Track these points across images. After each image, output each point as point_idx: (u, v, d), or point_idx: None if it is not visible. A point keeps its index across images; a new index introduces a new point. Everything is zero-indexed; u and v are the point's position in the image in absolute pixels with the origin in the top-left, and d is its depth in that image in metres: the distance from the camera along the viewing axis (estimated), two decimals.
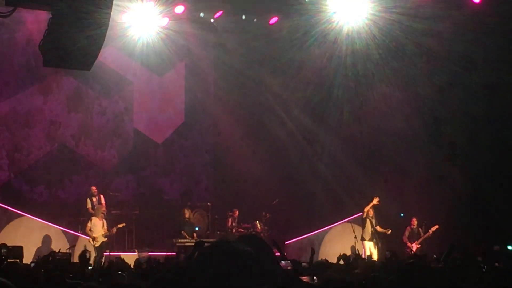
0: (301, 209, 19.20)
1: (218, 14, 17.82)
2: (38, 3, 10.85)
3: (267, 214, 18.55)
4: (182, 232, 17.61)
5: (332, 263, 10.71)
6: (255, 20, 18.22)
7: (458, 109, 16.73)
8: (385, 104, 18.02)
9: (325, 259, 12.37)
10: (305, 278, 7.54)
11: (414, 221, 17.04)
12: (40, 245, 16.15)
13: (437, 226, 16.60)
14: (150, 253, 15.78)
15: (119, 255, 15.89)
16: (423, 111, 17.51)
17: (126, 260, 12.46)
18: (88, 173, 18.69)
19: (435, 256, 11.38)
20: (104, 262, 15.56)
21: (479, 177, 16.57)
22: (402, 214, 17.92)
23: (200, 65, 20.15)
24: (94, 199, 17.07)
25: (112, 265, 10.66)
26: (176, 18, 17.54)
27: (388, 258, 12.05)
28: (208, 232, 18.54)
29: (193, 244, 14.58)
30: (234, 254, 2.75)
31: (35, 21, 16.12)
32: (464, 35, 15.78)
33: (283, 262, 9.33)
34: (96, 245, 16.15)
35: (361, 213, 17.45)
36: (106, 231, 16.35)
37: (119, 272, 8.98)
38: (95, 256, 15.99)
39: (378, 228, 17.15)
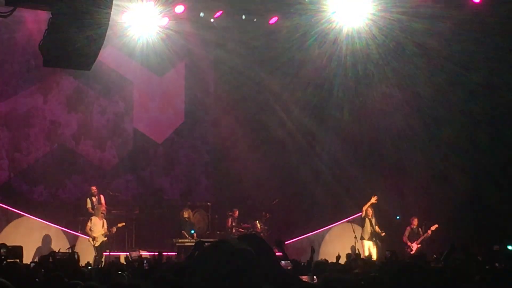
0: (301, 209, 19.19)
1: (218, 14, 17.81)
2: (38, 3, 10.85)
3: (267, 214, 18.55)
4: (182, 232, 17.60)
5: (332, 263, 10.71)
6: (255, 20, 18.21)
7: (458, 109, 16.74)
8: (385, 104, 18.02)
9: (325, 259, 12.36)
10: (305, 278, 7.54)
11: (415, 221, 17.03)
12: (40, 245, 16.14)
13: (436, 225, 16.60)
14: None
15: (119, 255, 15.90)
16: (423, 111, 17.50)
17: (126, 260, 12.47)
18: (88, 173, 18.69)
19: (435, 256, 11.39)
20: (104, 262, 15.59)
21: (479, 177, 16.57)
22: (398, 217, 17.92)
23: (200, 65, 20.14)
24: (94, 198, 17.07)
25: (113, 265, 10.66)
26: (176, 18, 17.54)
27: (388, 258, 12.04)
28: (208, 232, 18.53)
29: (193, 244, 14.58)
30: (234, 253, 2.75)
31: (35, 21, 16.11)
32: (464, 35, 15.78)
33: (283, 262, 9.34)
34: (96, 245, 16.16)
35: (361, 213, 17.46)
36: (106, 230, 16.35)
37: (119, 272, 8.98)
38: (95, 256, 16.01)
39: (376, 228, 17.14)
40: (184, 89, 20.48)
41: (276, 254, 9.25)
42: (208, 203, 19.11)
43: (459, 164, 16.80)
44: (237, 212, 18.31)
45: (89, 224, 16.31)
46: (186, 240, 17.28)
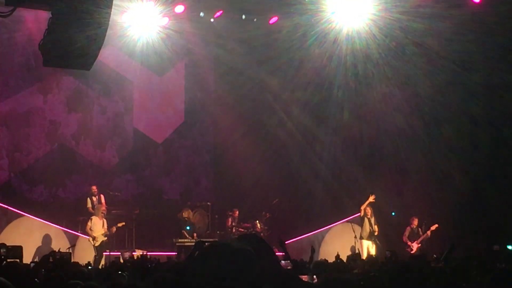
0: (301, 208, 19.20)
1: (218, 14, 17.82)
2: (38, 3, 10.86)
3: (267, 214, 18.56)
4: (183, 231, 17.60)
5: (332, 263, 10.71)
6: (255, 20, 18.21)
7: (458, 109, 16.73)
8: (385, 104, 18.02)
9: (325, 259, 12.35)
10: (305, 278, 7.54)
11: (415, 221, 17.01)
12: (40, 244, 16.14)
13: (436, 225, 16.58)
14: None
15: (119, 254, 15.92)
16: (423, 111, 17.50)
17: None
18: (88, 173, 18.69)
19: (435, 255, 11.39)
20: (104, 262, 15.60)
21: (479, 177, 16.56)
22: (393, 213, 17.92)
23: (200, 65, 20.15)
24: (94, 198, 17.07)
25: (113, 265, 10.65)
26: (176, 18, 17.54)
27: (387, 258, 12.04)
28: (208, 232, 18.53)
29: (193, 244, 14.58)
30: (233, 253, 2.75)
31: (35, 20, 16.12)
32: (464, 34, 15.77)
33: (283, 261, 9.34)
34: (96, 245, 16.16)
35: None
36: (106, 230, 16.35)
37: (119, 272, 8.98)
38: (95, 256, 16.02)
39: (375, 228, 17.11)
40: (184, 89, 20.49)
41: (278, 253, 9.28)
42: (208, 203, 19.12)
43: (459, 164, 16.79)
44: (237, 212, 18.32)
45: (89, 223, 16.31)
46: (186, 240, 17.28)
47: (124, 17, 16.72)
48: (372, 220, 17.12)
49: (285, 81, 19.23)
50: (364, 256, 16.19)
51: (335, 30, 17.14)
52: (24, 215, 16.26)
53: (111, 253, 16.13)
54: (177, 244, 17.13)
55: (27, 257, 13.85)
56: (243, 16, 17.97)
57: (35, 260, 13.92)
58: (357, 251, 16.70)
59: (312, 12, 16.81)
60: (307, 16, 17.06)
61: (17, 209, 16.25)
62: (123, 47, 17.92)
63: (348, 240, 17.50)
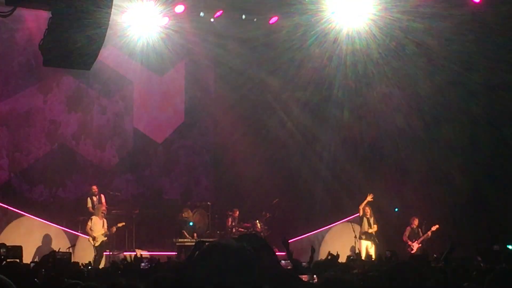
0: (301, 208, 19.20)
1: (218, 13, 17.81)
2: (38, 3, 10.85)
3: (267, 214, 18.56)
4: (183, 231, 17.60)
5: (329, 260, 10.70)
6: (255, 19, 18.21)
7: (458, 109, 16.73)
8: (385, 104, 18.02)
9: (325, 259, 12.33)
10: (305, 278, 7.54)
11: (415, 221, 17.00)
12: (40, 244, 16.14)
13: (437, 226, 16.57)
14: (124, 253, 15.85)
15: (124, 254, 15.90)
16: (423, 111, 17.50)
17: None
18: (88, 173, 18.69)
19: (435, 255, 11.39)
20: (104, 262, 15.60)
21: (479, 176, 16.57)
22: (396, 209, 17.92)
23: (200, 65, 20.14)
24: (94, 198, 17.08)
25: (113, 265, 10.66)
26: (176, 17, 17.53)
27: (387, 258, 12.04)
28: (208, 231, 18.53)
29: (193, 243, 14.58)
30: (234, 253, 2.75)
31: (35, 20, 16.11)
32: (464, 34, 15.78)
33: (283, 261, 9.34)
34: (96, 245, 16.16)
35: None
36: (106, 230, 16.35)
37: (120, 272, 8.98)
38: (95, 256, 16.02)
39: (374, 227, 17.08)
40: (184, 88, 20.49)
41: (282, 253, 9.28)
42: (208, 203, 19.11)
43: (459, 164, 16.80)
44: (237, 211, 18.31)
45: (89, 223, 16.31)
46: (186, 240, 17.28)
47: (124, 17, 16.71)
48: (371, 220, 17.11)
49: (285, 81, 19.23)
50: (363, 256, 16.21)
51: (335, 30, 17.14)
52: (24, 215, 16.27)
53: (111, 253, 16.13)
54: (177, 244, 17.13)
55: (27, 257, 13.86)
56: (243, 16, 17.97)
57: (35, 260, 13.92)
58: (357, 251, 16.71)
59: (312, 12, 16.80)
60: (307, 16, 17.05)
61: (17, 209, 16.25)
62: (123, 47, 17.91)
63: (348, 240, 17.50)
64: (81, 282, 5.01)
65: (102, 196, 17.18)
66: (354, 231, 17.24)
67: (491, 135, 16.42)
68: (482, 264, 10.40)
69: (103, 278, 7.60)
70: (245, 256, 2.77)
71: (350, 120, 18.79)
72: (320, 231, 18.54)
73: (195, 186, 20.55)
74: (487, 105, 16.39)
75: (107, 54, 16.70)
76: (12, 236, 15.40)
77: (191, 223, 17.78)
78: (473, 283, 6.09)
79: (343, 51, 17.55)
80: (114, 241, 16.90)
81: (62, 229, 16.63)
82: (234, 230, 17.98)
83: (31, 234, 16.03)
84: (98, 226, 16.31)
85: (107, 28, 10.03)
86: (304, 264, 9.79)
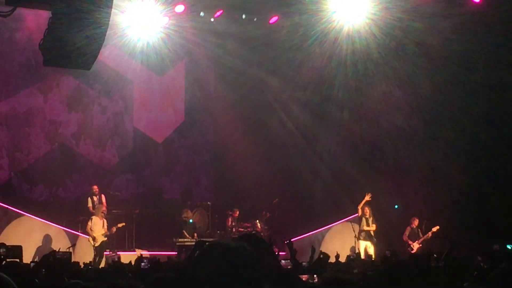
0: (301, 208, 19.18)
1: (218, 13, 17.81)
2: (38, 3, 10.86)
3: (267, 213, 18.56)
4: (183, 231, 17.60)
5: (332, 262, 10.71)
6: (255, 19, 18.20)
7: (458, 108, 16.72)
8: (385, 104, 18.01)
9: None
10: (305, 277, 7.55)
11: (415, 221, 16.98)
12: (40, 244, 16.14)
13: (437, 227, 16.54)
14: (119, 253, 15.84)
15: (119, 254, 15.91)
16: (423, 110, 17.49)
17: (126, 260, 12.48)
18: (88, 173, 18.69)
19: (435, 255, 11.38)
20: (104, 262, 15.60)
21: (479, 176, 16.56)
22: (396, 206, 17.91)
23: (200, 65, 20.15)
24: (95, 198, 17.08)
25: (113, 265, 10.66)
26: (176, 17, 17.53)
27: (387, 257, 12.04)
28: (208, 231, 18.53)
29: (193, 243, 14.58)
30: (234, 252, 2.75)
31: (35, 20, 16.12)
32: (464, 34, 15.77)
33: (283, 261, 9.34)
34: (96, 245, 16.15)
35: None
36: (106, 230, 16.34)
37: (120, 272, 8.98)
38: (94, 256, 16.01)
39: (373, 227, 17.05)
40: (184, 88, 20.49)
41: (282, 253, 9.30)
42: (208, 203, 19.12)
43: (459, 164, 16.78)
44: (237, 211, 18.31)
45: (89, 223, 16.31)
46: (186, 240, 17.28)
47: (124, 17, 16.70)
48: (370, 220, 17.08)
49: (285, 81, 19.23)
50: (363, 256, 16.19)
51: (335, 30, 17.13)
52: (24, 215, 16.27)
53: (110, 253, 16.13)
54: (177, 244, 17.13)
55: (27, 257, 13.87)
56: (243, 16, 17.96)
57: (35, 260, 13.93)
58: (357, 251, 16.70)
59: (312, 11, 16.80)
60: (307, 15, 17.05)
61: (17, 209, 16.26)
62: (123, 46, 17.91)
63: (348, 239, 17.50)
64: (82, 282, 5.01)
65: (103, 196, 17.18)
66: (354, 231, 17.24)
67: (491, 135, 16.41)
68: (482, 264, 10.41)
69: (103, 278, 7.60)
70: (245, 256, 2.77)
71: (350, 120, 18.78)
72: (320, 231, 18.54)
73: (195, 186, 20.56)
74: (487, 104, 16.38)
75: (107, 54, 16.72)
76: (12, 236, 15.40)
77: (190, 221, 17.79)
78: (473, 282, 6.09)
79: (343, 50, 17.55)
80: (114, 241, 16.90)
81: (62, 229, 16.63)
82: (234, 230, 17.98)
83: (31, 234, 16.03)
84: (98, 226, 16.31)
85: (107, 28, 10.03)
86: (304, 264, 9.79)
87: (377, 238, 17.14)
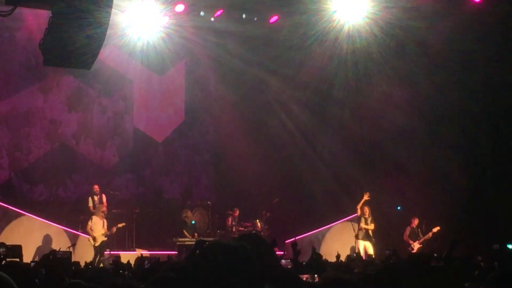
0: (302, 208, 19.19)
1: (218, 13, 17.80)
2: (38, 2, 10.87)
3: (267, 213, 18.55)
4: (183, 231, 17.60)
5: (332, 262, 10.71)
6: (255, 19, 18.20)
7: (458, 108, 16.72)
8: (385, 103, 18.01)
9: (325, 258, 12.35)
10: (306, 277, 7.54)
11: (415, 221, 16.99)
12: (40, 244, 16.14)
13: (438, 228, 16.53)
14: (116, 253, 15.82)
15: (119, 254, 15.90)
16: (424, 110, 17.49)
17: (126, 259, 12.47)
18: (88, 172, 18.69)
19: (435, 255, 11.37)
20: (104, 262, 15.58)
21: (479, 175, 16.56)
22: (399, 207, 17.90)
23: (200, 64, 20.15)
24: (95, 197, 17.08)
25: (113, 264, 10.65)
26: (176, 17, 17.52)
27: (387, 257, 12.04)
28: (208, 231, 18.53)
29: (193, 243, 14.58)
30: (234, 252, 2.75)
31: (35, 20, 16.10)
32: (464, 34, 15.77)
33: (283, 261, 9.35)
34: (96, 245, 16.15)
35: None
36: (106, 230, 16.34)
37: (121, 271, 8.99)
38: (94, 255, 16.00)
39: (371, 226, 17.04)
40: (185, 88, 20.49)
41: (281, 253, 9.31)
42: (208, 202, 19.11)
43: (459, 163, 16.79)
44: (237, 211, 18.31)
45: (89, 223, 16.31)
46: (186, 239, 17.28)
47: (125, 16, 16.69)
48: (369, 219, 17.07)
49: (285, 81, 19.23)
50: (362, 256, 16.19)
51: (335, 29, 17.13)
52: (24, 215, 16.27)
53: (112, 252, 16.12)
54: (177, 243, 17.12)
55: (28, 257, 13.86)
56: (244, 15, 17.95)
57: (35, 259, 13.92)
58: (356, 251, 16.70)
59: (312, 11, 16.80)
60: (307, 15, 17.05)
61: (17, 209, 16.26)
62: (124, 46, 17.90)
63: (348, 239, 17.50)
64: (82, 281, 5.00)
65: (104, 195, 17.18)
66: (354, 230, 17.23)
67: (491, 134, 16.41)
68: (482, 264, 10.40)
69: (103, 278, 7.59)
70: (246, 255, 2.77)
71: (351, 120, 18.79)
72: (321, 230, 18.54)
73: (195, 185, 20.56)
74: (487, 104, 16.38)
75: (107, 54, 16.71)
76: (12, 235, 15.40)
77: (193, 222, 17.77)
78: (474, 282, 6.08)
79: (343, 50, 17.55)
80: (114, 241, 16.90)
81: (62, 228, 16.64)
82: (234, 230, 17.98)
83: (31, 234, 16.03)
84: (98, 226, 16.31)
85: (107, 28, 10.02)
86: (303, 263, 9.80)
87: (375, 238, 17.13)
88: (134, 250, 16.63)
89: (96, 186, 17.20)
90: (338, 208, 18.29)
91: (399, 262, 9.74)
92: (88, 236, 16.27)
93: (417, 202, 17.29)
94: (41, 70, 16.89)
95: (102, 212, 16.53)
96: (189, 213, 18.15)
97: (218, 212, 18.95)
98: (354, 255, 15.58)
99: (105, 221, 16.49)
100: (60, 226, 16.63)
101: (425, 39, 16.50)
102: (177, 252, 16.53)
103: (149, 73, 19.46)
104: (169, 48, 18.43)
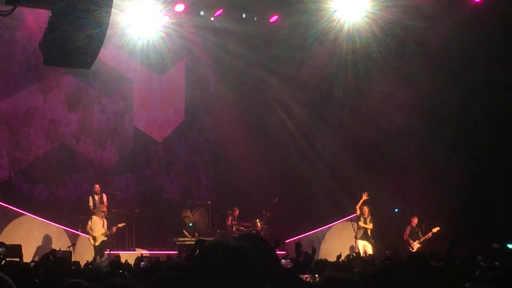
0: (301, 207, 19.19)
1: (218, 12, 17.81)
2: (38, 2, 10.87)
3: (267, 213, 18.55)
4: (183, 231, 17.60)
5: (333, 262, 10.70)
6: (255, 18, 18.20)
7: (458, 108, 16.72)
8: (385, 103, 18.01)
9: (325, 258, 12.35)
10: (307, 277, 7.54)
11: (415, 220, 17.00)
12: (40, 244, 16.14)
13: (438, 228, 16.52)
14: (116, 253, 15.82)
15: (119, 253, 15.90)
16: (424, 110, 17.48)
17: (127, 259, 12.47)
18: (88, 172, 18.69)
19: (437, 252, 11.36)
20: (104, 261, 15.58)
21: (479, 175, 16.55)
22: (396, 210, 17.90)
23: (200, 64, 20.14)
24: (96, 197, 17.09)
25: (113, 264, 10.65)
26: (176, 16, 17.53)
27: (387, 257, 12.03)
28: (208, 230, 18.53)
29: (193, 242, 14.57)
30: (234, 251, 2.75)
31: (35, 19, 16.11)
32: (464, 33, 15.77)
33: (283, 260, 9.35)
34: (96, 244, 16.15)
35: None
36: (106, 230, 16.34)
37: (120, 271, 8.98)
38: (94, 255, 16.00)
39: (370, 225, 17.04)
40: (184, 87, 20.49)
41: (282, 252, 9.30)
42: (208, 202, 19.11)
43: (459, 163, 16.78)
44: (237, 210, 18.31)
45: (89, 223, 16.31)
46: (186, 239, 17.27)
47: (124, 16, 16.70)
48: (368, 219, 17.06)
49: (285, 80, 19.22)
50: (362, 255, 16.17)
51: (335, 29, 17.14)
52: (24, 214, 16.28)
53: (111, 252, 16.12)
54: (177, 243, 17.12)
55: (28, 257, 13.85)
56: (244, 15, 17.96)
57: (35, 259, 13.92)
58: (356, 250, 16.70)
59: (312, 11, 16.80)
60: (307, 15, 17.06)
61: (17, 208, 16.26)
62: (124, 46, 17.90)
63: (348, 239, 17.50)
64: (83, 281, 5.01)
65: (104, 195, 17.18)
66: (354, 230, 17.23)
67: (491, 134, 16.40)
68: (482, 263, 10.40)
69: (102, 278, 7.59)
70: (246, 255, 2.76)
71: (351, 119, 18.78)
72: (321, 230, 18.54)
73: (195, 185, 20.56)
74: (487, 104, 16.38)
75: (107, 53, 16.71)
76: (12, 235, 15.40)
77: (190, 224, 17.76)
78: (474, 282, 6.08)
79: (343, 50, 17.55)
80: (114, 240, 16.90)
81: (62, 228, 16.64)
82: (234, 229, 17.98)
83: (31, 233, 16.04)
84: (98, 226, 16.31)
85: (107, 27, 10.02)
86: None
87: (375, 238, 17.13)
88: (134, 250, 16.62)
89: (97, 186, 17.21)
90: (338, 207, 18.27)
91: (399, 262, 9.74)
92: (88, 236, 16.28)
93: (417, 202, 17.28)
94: (41, 69, 16.89)
95: (102, 211, 16.53)
96: (189, 213, 18.14)
97: (218, 212, 18.95)
98: (354, 254, 15.57)
99: (105, 220, 16.49)
100: (60, 226, 16.63)
101: (425, 39, 16.50)
102: (177, 252, 16.53)
103: (149, 72, 19.46)
104: (169, 48, 18.43)
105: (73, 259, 13.12)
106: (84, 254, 15.62)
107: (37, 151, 18.02)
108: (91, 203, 17.01)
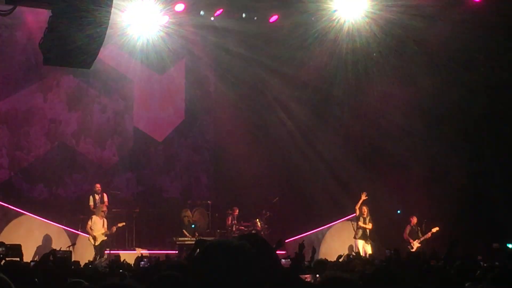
0: (301, 207, 19.19)
1: (218, 12, 17.81)
2: (38, 1, 10.83)
3: (267, 212, 18.56)
4: (183, 230, 17.60)
5: (333, 262, 10.70)
6: (255, 18, 18.20)
7: (458, 107, 16.71)
8: (385, 102, 18.00)
9: (325, 258, 12.34)
10: (307, 277, 7.54)
11: (414, 219, 17.00)
12: (40, 243, 16.14)
13: (437, 228, 16.52)
14: (116, 252, 15.80)
15: (119, 253, 15.90)
16: (423, 109, 17.48)
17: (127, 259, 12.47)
18: (88, 172, 18.69)
19: (437, 251, 11.36)
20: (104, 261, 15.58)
21: (479, 175, 16.55)
22: (399, 211, 17.90)
23: (200, 63, 20.14)
24: (97, 196, 17.09)
25: (113, 263, 10.64)
26: (176, 16, 17.52)
27: (387, 257, 12.02)
28: (208, 230, 18.54)
29: (193, 242, 14.58)
30: (234, 251, 2.75)
31: (35, 19, 16.11)
32: (464, 33, 15.76)
33: (283, 260, 9.35)
34: (96, 244, 16.15)
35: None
36: (106, 230, 16.34)
37: (120, 271, 8.98)
38: (94, 255, 16.00)
39: (369, 225, 17.04)
40: (184, 87, 20.50)
41: (282, 252, 9.28)
42: (208, 202, 19.12)
43: (459, 163, 16.78)
44: (237, 210, 18.31)
45: (89, 222, 16.31)
46: (186, 239, 17.28)
47: (125, 15, 16.69)
48: (367, 219, 17.06)
49: (285, 80, 19.22)
50: (361, 255, 16.18)
51: (335, 29, 17.13)
52: (24, 214, 16.27)
53: (111, 252, 16.12)
54: (177, 242, 17.12)
55: (28, 256, 13.83)
56: (244, 15, 17.96)
57: (35, 259, 13.92)
58: (356, 250, 16.70)
59: (312, 10, 16.80)
60: (307, 14, 17.06)
61: (17, 208, 16.26)
62: (124, 45, 17.90)
63: (348, 239, 17.50)
64: (83, 281, 5.01)
65: (105, 195, 17.19)
66: (354, 230, 17.24)
67: (491, 134, 16.40)
68: (482, 263, 10.40)
69: (102, 278, 7.59)
70: (246, 254, 2.76)
71: (351, 119, 18.78)
72: (321, 229, 18.54)
73: (195, 184, 20.56)
74: (487, 103, 16.37)
75: (107, 53, 16.71)
76: (12, 235, 15.40)
77: (193, 226, 17.74)
78: (474, 282, 6.08)
79: (343, 49, 17.55)
80: (114, 240, 16.90)
81: (62, 228, 16.64)
82: (234, 229, 17.99)
83: (31, 233, 16.04)
84: (98, 226, 16.31)
85: (107, 27, 10.00)
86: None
87: (375, 237, 17.13)
88: (134, 250, 16.63)
89: (98, 185, 17.21)
90: (338, 207, 18.28)
91: (398, 261, 9.75)
92: (88, 236, 16.27)
93: (417, 202, 17.28)
94: (41, 69, 16.90)
95: (102, 211, 16.54)
96: (189, 213, 18.14)
97: (218, 211, 18.96)
98: (354, 254, 15.58)
99: (105, 220, 16.49)
100: (60, 226, 16.63)
101: (425, 39, 16.49)
102: (177, 252, 16.54)
103: (149, 72, 19.47)
104: (169, 47, 18.43)
105: (73, 259, 13.13)
106: (84, 254, 15.62)
107: (37, 151, 18.02)
108: (91, 202, 17.01)
